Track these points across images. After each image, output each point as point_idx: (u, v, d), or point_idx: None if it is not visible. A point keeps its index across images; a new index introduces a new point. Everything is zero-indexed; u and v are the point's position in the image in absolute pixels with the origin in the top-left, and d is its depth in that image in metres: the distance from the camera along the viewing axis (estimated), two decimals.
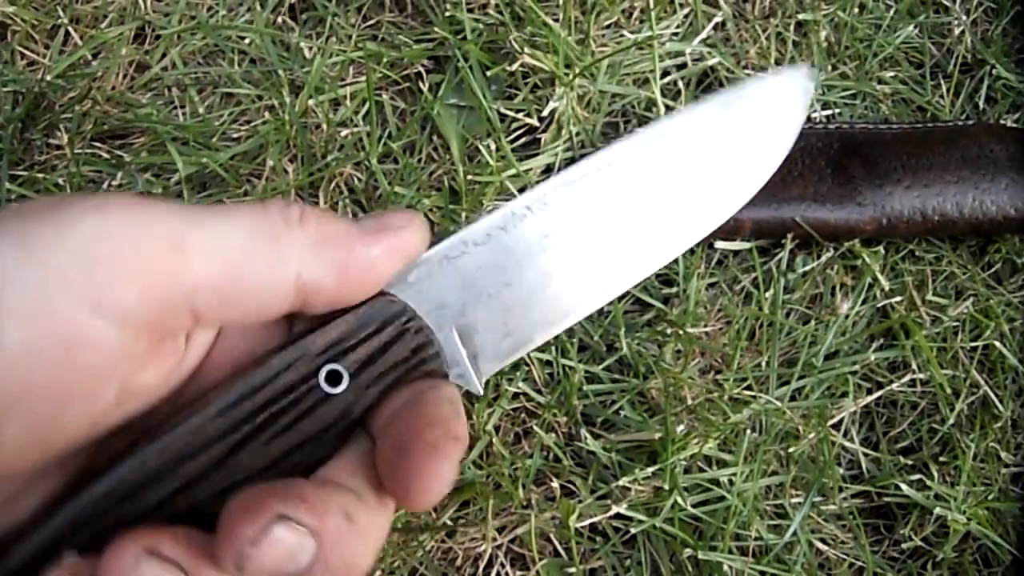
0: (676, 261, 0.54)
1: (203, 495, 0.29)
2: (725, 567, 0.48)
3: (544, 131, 0.55)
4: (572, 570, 0.48)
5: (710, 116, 0.38)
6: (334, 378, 0.31)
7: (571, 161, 0.55)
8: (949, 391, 0.54)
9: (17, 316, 0.25)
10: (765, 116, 0.39)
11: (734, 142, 0.38)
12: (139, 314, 0.27)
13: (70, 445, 0.28)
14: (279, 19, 0.57)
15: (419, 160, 0.54)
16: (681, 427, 0.49)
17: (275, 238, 0.29)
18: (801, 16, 0.61)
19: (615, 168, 0.36)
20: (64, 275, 0.26)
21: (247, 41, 0.56)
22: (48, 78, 0.54)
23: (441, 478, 0.28)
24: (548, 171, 0.55)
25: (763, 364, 0.53)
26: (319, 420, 0.31)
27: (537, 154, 0.54)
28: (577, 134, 0.55)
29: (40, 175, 0.51)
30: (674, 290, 0.53)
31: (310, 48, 0.56)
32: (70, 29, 0.55)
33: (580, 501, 0.49)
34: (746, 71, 0.59)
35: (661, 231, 0.37)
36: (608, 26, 0.58)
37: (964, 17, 0.63)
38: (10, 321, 0.25)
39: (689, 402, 0.50)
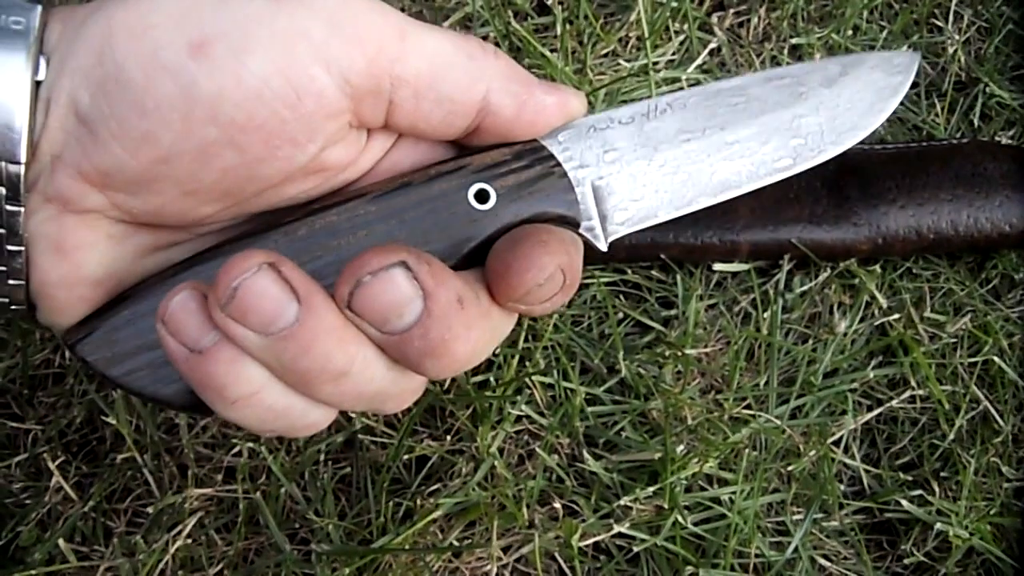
0: (675, 283, 0.55)
1: None
2: None
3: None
4: None
5: (832, 70, 0.42)
6: (482, 197, 0.34)
7: None
8: (949, 407, 0.55)
9: (263, 53, 0.28)
10: (875, 81, 0.43)
11: (847, 97, 0.42)
12: (357, 83, 0.30)
13: (254, 199, 0.31)
14: None
15: None
16: (681, 447, 0.50)
17: (474, 58, 0.32)
18: (795, 40, 0.62)
19: (745, 93, 0.40)
20: (309, 31, 0.29)
21: None
22: None
23: (540, 268, 0.30)
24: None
25: (762, 383, 0.54)
26: (460, 232, 0.33)
27: None
28: None
29: None
30: (673, 312, 0.55)
31: None
32: None
33: (583, 521, 0.50)
34: None
35: (772, 155, 0.41)
36: (605, 55, 0.59)
37: (957, 36, 0.64)
38: (256, 56, 0.28)
39: (689, 422, 0.51)
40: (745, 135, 0.39)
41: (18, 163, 0.28)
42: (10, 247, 0.30)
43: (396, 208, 0.32)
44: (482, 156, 0.34)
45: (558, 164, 0.35)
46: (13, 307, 0.31)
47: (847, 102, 0.42)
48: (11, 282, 0.30)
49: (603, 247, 0.37)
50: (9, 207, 0.29)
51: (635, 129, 0.38)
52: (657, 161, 0.38)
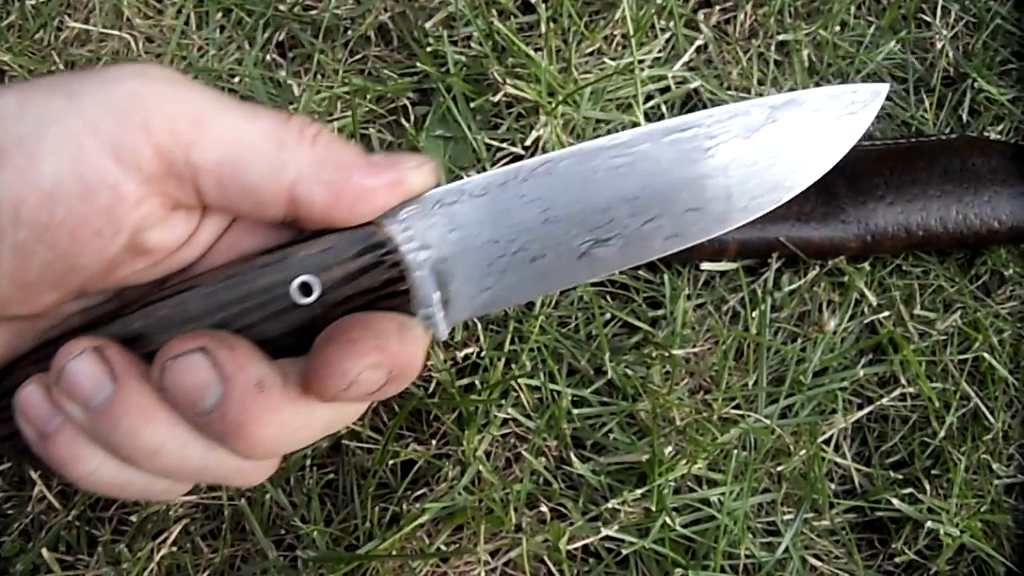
0: (663, 282, 0.54)
1: None
2: None
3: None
4: None
5: (756, 116, 0.36)
6: (306, 290, 0.32)
7: None
8: (939, 404, 0.55)
9: (53, 155, 0.29)
10: (816, 126, 0.37)
11: (770, 150, 0.36)
12: (151, 172, 0.30)
13: (87, 285, 0.32)
14: (268, 57, 0.58)
15: None
16: (670, 448, 0.50)
17: (282, 145, 0.31)
18: (782, 36, 0.61)
19: (632, 152, 0.34)
20: (98, 124, 0.29)
21: (237, 80, 0.57)
22: None
23: (343, 374, 0.30)
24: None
25: (752, 383, 0.53)
26: (284, 324, 0.32)
27: None
28: None
29: None
30: (661, 312, 0.54)
31: (298, 84, 0.57)
32: None
33: (571, 524, 0.49)
34: (729, 92, 0.59)
35: (655, 230, 0.35)
36: (590, 53, 0.59)
37: (945, 31, 0.64)
38: (48, 159, 0.29)
39: (678, 423, 0.51)
40: (623, 207, 0.34)
41: None
42: None
43: (223, 302, 0.32)
44: (307, 246, 0.32)
45: (390, 251, 0.33)
46: None
47: (769, 156, 0.35)
48: None
49: (441, 335, 0.34)
50: None
51: (488, 203, 0.33)
52: (511, 240, 0.34)
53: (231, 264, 0.33)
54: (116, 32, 0.58)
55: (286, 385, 0.31)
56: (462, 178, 0.53)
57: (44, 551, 0.48)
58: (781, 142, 0.36)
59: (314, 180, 0.31)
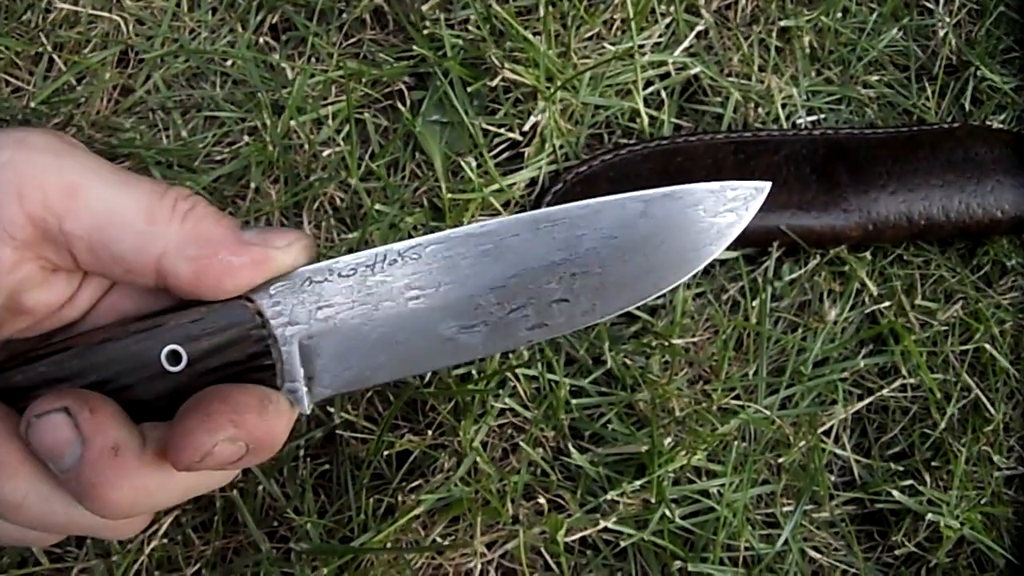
0: None
1: None
2: None
3: (527, 145, 0.55)
4: None
5: (630, 210, 0.36)
6: (175, 358, 0.33)
7: (555, 174, 0.55)
8: (940, 395, 0.54)
9: None
10: (688, 226, 0.36)
11: (639, 248, 0.36)
12: (25, 237, 0.31)
13: None
14: (261, 40, 0.57)
15: (402, 177, 0.54)
16: (669, 439, 0.49)
17: (152, 220, 0.32)
18: (784, 22, 0.61)
19: (499, 241, 0.35)
20: None
21: (229, 63, 0.56)
22: (33, 104, 0.54)
23: (197, 446, 0.31)
24: (532, 185, 0.55)
25: (751, 373, 0.53)
26: (154, 390, 0.33)
27: (521, 168, 0.55)
28: (560, 147, 0.55)
29: None
30: (660, 301, 0.53)
31: (292, 68, 0.56)
32: (54, 56, 0.56)
33: (569, 515, 0.49)
34: (729, 79, 0.59)
35: (520, 320, 0.36)
36: (589, 38, 0.58)
37: (948, 19, 0.63)
38: None
39: (677, 413, 0.50)
40: (489, 295, 0.35)
41: None
42: None
43: (96, 364, 0.33)
44: (178, 316, 0.33)
45: (257, 326, 0.34)
46: None
47: (641, 251, 0.35)
48: None
49: (306, 410, 0.35)
50: None
51: (356, 283, 0.34)
52: (377, 321, 0.34)
53: (109, 327, 0.34)
54: (106, 14, 0.57)
55: (143, 450, 0.32)
56: (462, 164, 0.52)
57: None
58: (655, 237, 0.36)
59: (180, 256, 0.32)
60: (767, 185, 0.37)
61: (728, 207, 0.36)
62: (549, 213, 0.35)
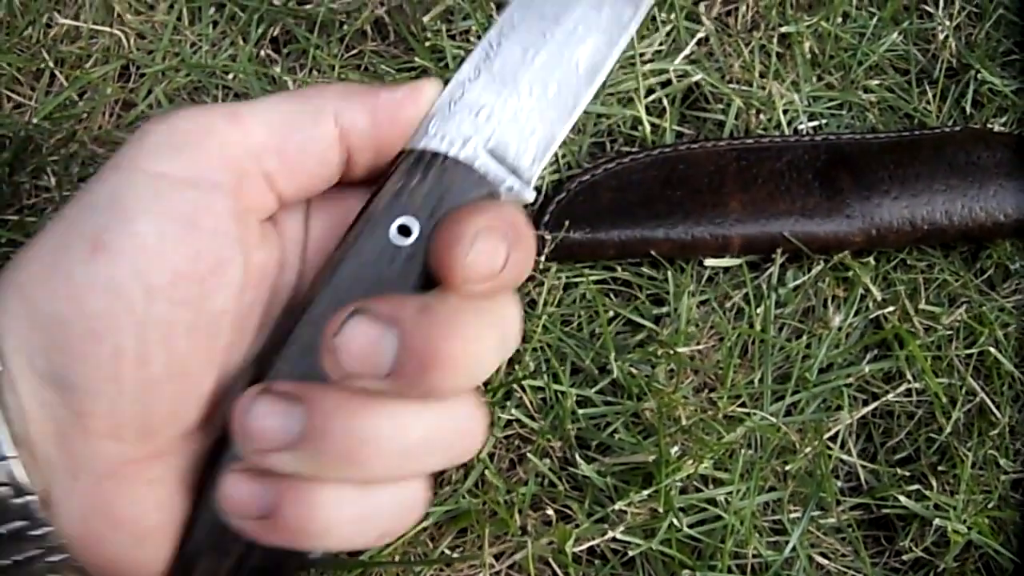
0: (666, 279, 0.54)
1: None
2: None
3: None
4: None
5: None
6: (405, 231, 0.34)
7: (558, 183, 0.55)
8: (945, 399, 0.54)
9: (142, 213, 0.30)
10: None
11: None
12: (226, 180, 0.31)
13: (237, 340, 0.32)
14: (262, 53, 0.57)
15: None
16: (676, 448, 0.49)
17: (309, 98, 0.33)
18: (784, 28, 0.61)
19: None
20: (159, 169, 0.30)
21: (231, 76, 0.56)
22: (35, 120, 0.54)
23: (461, 237, 0.31)
24: (535, 193, 0.55)
25: (757, 380, 0.53)
26: (409, 276, 0.33)
27: None
28: (563, 156, 0.55)
29: (30, 219, 0.52)
30: (665, 309, 0.53)
31: (294, 81, 0.56)
32: (55, 71, 0.56)
33: (577, 526, 0.49)
34: (731, 85, 0.59)
35: (613, 11, 0.38)
36: None
37: (948, 22, 0.63)
38: (139, 220, 0.29)
39: (683, 422, 0.50)
40: (579, 12, 0.38)
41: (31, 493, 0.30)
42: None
43: (341, 292, 0.33)
44: (380, 196, 0.34)
45: (446, 157, 0.35)
46: None
47: None
48: None
49: (530, 198, 0.37)
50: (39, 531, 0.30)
51: (487, 78, 0.37)
52: (523, 91, 0.37)
53: (328, 263, 0.34)
54: (107, 28, 0.57)
55: (444, 300, 0.31)
56: None
57: None
58: None
59: (349, 109, 0.33)
60: None
61: None
62: None
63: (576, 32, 0.38)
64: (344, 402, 0.29)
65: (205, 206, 0.31)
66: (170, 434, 0.31)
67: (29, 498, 0.30)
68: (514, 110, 0.37)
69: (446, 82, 0.36)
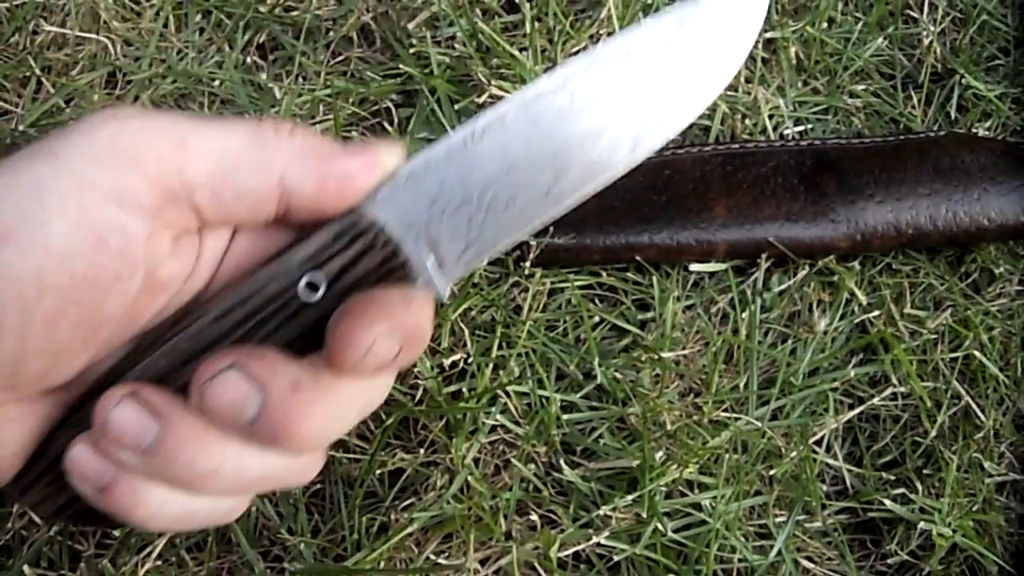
0: (651, 284, 0.54)
1: None
2: None
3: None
4: None
5: (664, 32, 0.37)
6: (312, 288, 0.34)
7: None
8: (930, 403, 0.54)
9: (59, 216, 0.30)
10: (719, 32, 0.39)
11: (687, 59, 0.38)
12: (151, 204, 0.31)
13: (113, 336, 0.33)
14: (248, 59, 0.57)
15: None
16: (661, 453, 0.49)
17: (263, 145, 0.33)
18: (770, 34, 0.61)
19: (569, 88, 0.36)
20: (90, 176, 0.30)
21: (217, 83, 0.56)
22: (21, 127, 0.54)
23: (358, 343, 0.31)
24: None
25: (742, 385, 0.53)
26: (299, 325, 0.34)
27: None
28: None
29: None
30: (650, 314, 0.54)
31: (280, 88, 0.56)
32: (42, 78, 0.56)
33: (562, 531, 0.49)
34: None
35: (610, 149, 0.37)
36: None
37: (932, 27, 0.63)
38: (54, 221, 0.30)
39: (668, 427, 0.51)
40: (575, 137, 0.36)
41: None
42: None
43: (234, 322, 0.33)
44: (303, 247, 0.34)
45: (380, 230, 0.34)
46: None
47: (689, 60, 0.38)
48: None
49: (443, 296, 0.36)
50: None
51: (455, 167, 0.35)
52: (485, 196, 0.36)
53: (234, 284, 0.34)
54: (93, 36, 0.57)
55: (316, 376, 0.32)
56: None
57: (25, 568, 0.47)
58: (696, 43, 0.38)
59: (300, 170, 0.33)
60: None
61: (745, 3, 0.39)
62: (599, 53, 0.36)
63: (562, 157, 0.36)
64: (198, 433, 0.32)
65: (120, 227, 0.31)
66: (36, 389, 0.33)
67: None
68: (469, 215, 0.36)
69: (422, 140, 0.35)
